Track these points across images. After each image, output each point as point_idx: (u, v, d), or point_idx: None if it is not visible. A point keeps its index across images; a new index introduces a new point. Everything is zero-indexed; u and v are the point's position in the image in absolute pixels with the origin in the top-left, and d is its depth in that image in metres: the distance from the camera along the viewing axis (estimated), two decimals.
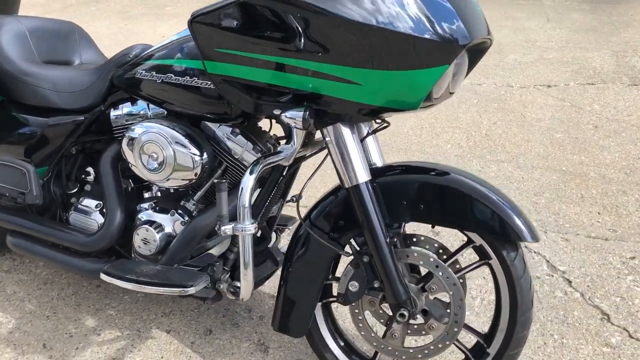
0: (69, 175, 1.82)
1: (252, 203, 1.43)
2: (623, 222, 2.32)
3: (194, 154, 1.51)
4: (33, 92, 1.72)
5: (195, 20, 1.30)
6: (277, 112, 1.34)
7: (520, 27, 4.78)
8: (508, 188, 2.57)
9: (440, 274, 1.41)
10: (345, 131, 1.37)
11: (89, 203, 1.77)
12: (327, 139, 1.38)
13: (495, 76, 3.72)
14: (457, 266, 1.48)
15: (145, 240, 1.61)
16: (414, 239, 1.53)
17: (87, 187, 1.79)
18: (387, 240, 1.38)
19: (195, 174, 1.52)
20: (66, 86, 1.71)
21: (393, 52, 1.19)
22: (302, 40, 1.23)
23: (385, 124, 1.53)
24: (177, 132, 1.52)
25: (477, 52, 1.44)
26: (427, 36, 1.16)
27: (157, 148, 1.53)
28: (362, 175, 1.37)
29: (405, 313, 1.40)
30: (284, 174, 1.61)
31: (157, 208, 1.66)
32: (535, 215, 2.38)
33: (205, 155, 1.53)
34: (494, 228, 1.37)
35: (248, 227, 1.35)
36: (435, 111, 3.28)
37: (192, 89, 1.48)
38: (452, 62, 1.19)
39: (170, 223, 1.63)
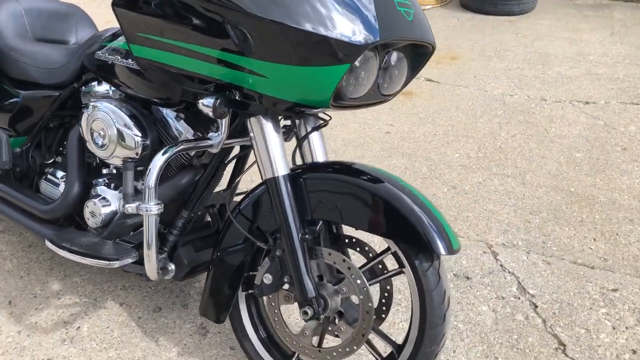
0: (47, 147, 1.94)
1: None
2: (618, 251, 2.17)
3: (136, 135, 1.57)
4: (17, 66, 1.84)
5: (118, 4, 1.35)
6: (196, 99, 1.37)
7: (578, 39, 4.54)
8: (503, 204, 2.46)
9: (352, 277, 1.39)
10: (267, 124, 1.38)
11: (58, 174, 1.87)
12: (250, 130, 1.40)
13: (531, 88, 3.56)
14: (377, 272, 1.46)
15: (92, 213, 1.69)
16: (346, 240, 1.52)
17: (59, 159, 1.90)
18: (300, 236, 1.38)
19: (137, 154, 1.58)
20: (45, 63, 1.82)
21: (293, 48, 1.19)
22: (212, 30, 1.25)
23: (322, 122, 1.54)
24: (124, 112, 1.59)
25: (418, 56, 1.42)
26: (327, 34, 1.15)
27: (104, 126, 1.60)
28: (280, 169, 1.39)
29: (309, 311, 1.39)
30: (225, 162, 1.64)
31: (110, 184, 1.74)
32: (522, 234, 2.27)
33: (147, 137, 1.58)
34: (408, 236, 1.34)
35: (152, 208, 1.39)
36: (454, 119, 3.19)
37: (136, 72, 1.54)
38: (353, 62, 1.18)
39: (117, 200, 1.69)
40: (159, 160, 1.40)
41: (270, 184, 1.39)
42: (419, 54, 1.44)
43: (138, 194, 1.64)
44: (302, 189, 1.41)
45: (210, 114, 1.33)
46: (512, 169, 2.73)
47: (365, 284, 1.39)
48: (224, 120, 1.44)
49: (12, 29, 1.91)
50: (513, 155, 2.84)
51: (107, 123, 1.59)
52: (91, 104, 1.66)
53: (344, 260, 1.41)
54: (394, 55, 1.37)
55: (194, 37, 1.29)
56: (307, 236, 1.40)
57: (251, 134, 1.40)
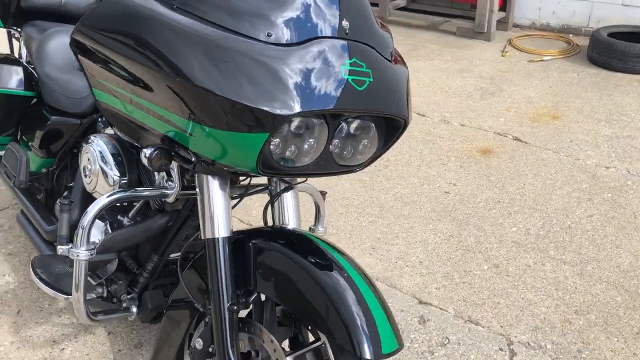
0: (70, 171, 2.05)
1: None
2: None
3: (115, 174, 1.60)
4: (51, 94, 1.96)
5: (74, 50, 1.37)
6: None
7: None
8: (547, 295, 2.15)
9: None
10: (212, 182, 1.33)
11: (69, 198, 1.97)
12: (196, 186, 1.36)
13: (636, 162, 3.11)
14: None
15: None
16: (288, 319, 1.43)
17: (73, 184, 2.00)
18: (229, 304, 1.30)
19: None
20: (74, 92, 1.92)
21: (214, 111, 1.13)
22: (147, 85, 1.23)
23: (288, 186, 1.47)
24: (110, 150, 1.63)
25: (393, 128, 1.31)
26: (243, 101, 1.09)
27: (90, 160, 1.65)
28: (220, 230, 1.33)
29: None
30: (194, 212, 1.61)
31: (100, 217, 1.78)
32: (556, 336, 1.96)
33: (125, 177, 1.60)
34: (334, 334, 1.23)
35: (81, 253, 1.38)
36: (527, 187, 2.87)
37: None
38: (272, 132, 1.10)
39: (101, 231, 1.73)
40: (98, 202, 1.39)
41: (208, 245, 1.34)
42: (393, 126, 1.33)
43: (100, 219, 1.68)
44: (243, 255, 1.35)
45: (147, 165, 1.31)
46: (573, 255, 2.39)
47: None
48: (175, 172, 1.43)
49: (57, 58, 2.04)
50: (581, 239, 2.48)
51: (92, 158, 1.64)
52: (91, 136, 1.71)
53: (272, 341, 1.32)
54: (354, 125, 1.27)
55: (138, 90, 1.28)
56: (235, 307, 1.32)
57: (196, 190, 1.36)
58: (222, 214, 1.34)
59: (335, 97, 1.15)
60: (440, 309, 2.09)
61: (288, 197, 1.52)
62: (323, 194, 1.90)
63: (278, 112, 1.08)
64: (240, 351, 1.40)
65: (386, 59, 1.30)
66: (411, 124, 3.78)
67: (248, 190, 1.55)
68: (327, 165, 1.29)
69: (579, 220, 2.62)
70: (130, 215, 1.71)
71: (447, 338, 1.96)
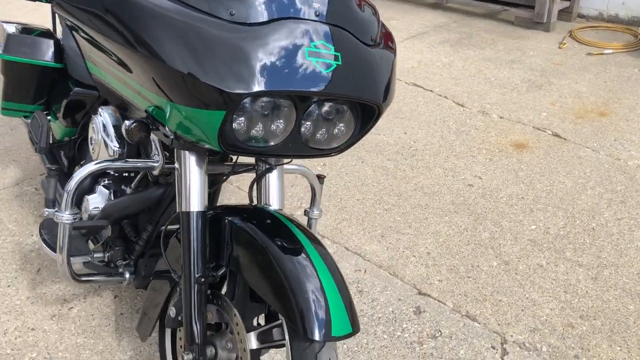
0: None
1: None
2: None
3: (114, 146, 1.68)
4: (73, 66, 2.07)
5: (66, 27, 1.44)
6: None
7: None
8: (554, 297, 2.08)
9: (238, 335, 1.35)
10: (190, 157, 1.38)
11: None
12: (175, 160, 1.41)
13: None
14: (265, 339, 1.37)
15: (84, 207, 1.84)
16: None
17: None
18: (197, 277, 1.35)
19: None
20: None
21: (177, 87, 1.19)
22: (124, 62, 1.28)
23: (269, 167, 1.49)
24: (112, 121, 1.71)
25: (369, 114, 1.32)
26: (202, 79, 1.12)
27: (95, 130, 1.73)
28: (194, 205, 1.38)
29: (186, 357, 1.35)
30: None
31: (104, 183, 1.87)
32: (554, 339, 1.90)
33: (124, 148, 1.68)
34: (288, 314, 1.26)
35: (65, 217, 1.46)
36: (557, 184, 2.76)
37: None
38: (230, 110, 1.14)
39: (104, 199, 1.82)
40: (84, 169, 1.46)
41: (182, 218, 1.39)
42: (371, 111, 1.33)
43: (105, 187, 1.77)
44: (217, 230, 1.39)
45: (125, 136, 1.37)
46: (591, 258, 2.29)
47: (246, 346, 1.32)
48: (158, 146, 1.49)
49: None
50: (603, 243, 2.37)
51: (96, 129, 1.72)
52: (99, 108, 1.80)
53: (235, 315, 1.36)
54: (327, 109, 1.28)
55: (116, 65, 1.33)
56: (203, 279, 1.37)
57: (175, 164, 1.41)
58: (197, 189, 1.38)
59: (296, 78, 1.16)
60: (439, 301, 2.07)
61: (273, 177, 1.54)
62: (321, 177, 1.91)
63: (233, 90, 1.11)
64: (210, 322, 1.46)
65: (364, 42, 1.30)
66: (446, 114, 3.71)
67: (235, 169, 1.59)
68: (297, 148, 1.31)
69: (605, 222, 2.50)
70: (132, 185, 1.80)
71: (440, 331, 1.94)
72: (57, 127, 2.22)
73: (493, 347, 1.88)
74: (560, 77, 4.06)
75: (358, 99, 1.26)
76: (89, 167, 1.48)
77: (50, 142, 2.23)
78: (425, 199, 2.66)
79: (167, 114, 1.26)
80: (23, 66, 2.21)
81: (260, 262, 1.30)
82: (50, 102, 2.31)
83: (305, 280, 1.26)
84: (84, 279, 1.62)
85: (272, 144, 1.28)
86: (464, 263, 2.26)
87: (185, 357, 1.36)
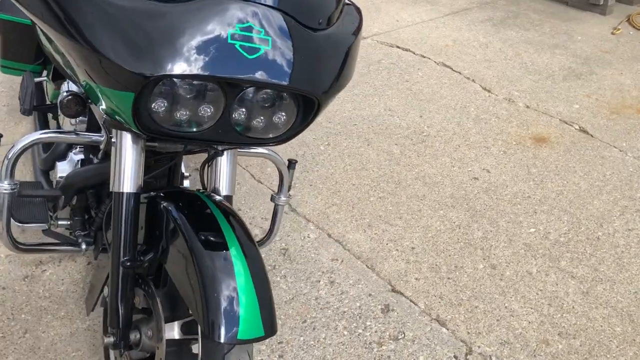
0: None
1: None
2: None
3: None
4: None
5: None
6: None
7: None
8: (536, 309, 1.95)
9: (157, 325, 1.31)
10: (126, 136, 1.34)
11: None
12: (113, 137, 1.38)
13: None
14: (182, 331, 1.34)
15: (54, 172, 1.84)
16: None
17: None
18: (122, 259, 1.33)
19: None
20: None
21: (90, 66, 1.14)
22: (47, 32, 1.24)
23: (218, 151, 1.45)
24: (79, 91, 1.68)
25: (308, 102, 1.26)
26: (112, 58, 1.07)
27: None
28: (126, 186, 1.35)
29: (106, 339, 1.34)
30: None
31: (75, 151, 1.85)
32: (524, 355, 1.79)
33: (85, 120, 1.66)
34: (197, 312, 1.22)
35: (3, 186, 1.44)
36: (569, 186, 2.57)
37: None
38: (136, 91, 1.09)
39: (71, 166, 1.81)
40: (25, 139, 1.44)
41: (114, 198, 1.36)
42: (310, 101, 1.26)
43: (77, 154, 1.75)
44: (151, 213, 1.37)
45: (59, 110, 1.35)
46: (587, 270, 2.13)
47: (163, 335, 1.30)
48: (100, 121, 1.46)
49: None
50: (605, 255, 2.20)
51: (61, 96, 1.71)
52: None
53: (157, 303, 1.33)
54: (263, 96, 1.21)
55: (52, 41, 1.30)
56: (129, 263, 1.34)
57: (113, 142, 1.37)
58: (131, 169, 1.35)
59: (212, 63, 1.09)
60: (411, 301, 1.98)
61: (223, 161, 1.49)
62: (292, 162, 1.84)
63: (138, 71, 1.06)
64: (138, 306, 1.44)
65: (308, 27, 1.20)
66: (469, 99, 3.54)
67: (188, 148, 1.54)
68: (229, 135, 1.25)
69: (613, 232, 2.31)
70: (99, 156, 1.78)
71: (404, 333, 1.86)
72: (49, 89, 2.22)
73: (455, 357, 1.78)
74: (605, 66, 3.77)
75: (289, 88, 1.17)
76: (32, 137, 1.45)
77: (48, 103, 2.24)
78: (424, 189, 2.54)
79: (92, 92, 1.22)
80: (19, 25, 2.21)
81: (182, 254, 1.26)
82: (46, 62, 2.31)
83: (219, 279, 1.21)
84: (27, 248, 1.62)
85: (200, 129, 1.22)
86: (448, 262, 2.14)
87: (105, 340, 1.35)
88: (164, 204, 1.34)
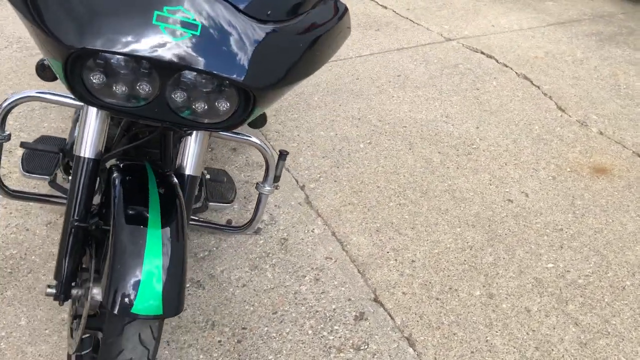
0: None
1: None
2: None
3: None
4: None
5: None
6: None
7: None
8: (519, 350, 1.80)
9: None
10: (91, 109, 1.42)
11: None
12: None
13: None
14: None
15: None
16: None
17: None
18: (72, 218, 1.42)
19: None
20: None
21: (31, 31, 1.22)
22: None
23: (186, 131, 1.50)
24: None
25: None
26: (42, 26, 1.14)
27: None
28: (84, 151, 1.46)
29: (49, 290, 1.45)
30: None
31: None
32: None
33: None
34: (102, 281, 1.30)
35: None
36: (614, 224, 2.30)
37: None
38: (63, 61, 1.15)
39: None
40: (16, 95, 1.56)
41: (74, 160, 1.46)
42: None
43: None
44: (106, 180, 1.45)
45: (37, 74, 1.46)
46: (596, 320, 1.92)
47: (90, 295, 1.38)
48: None
49: None
50: (624, 308, 1.97)
51: None
52: None
53: (91, 264, 1.41)
54: (202, 80, 1.24)
55: None
56: (76, 224, 1.43)
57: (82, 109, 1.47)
58: (91, 136, 1.44)
59: (136, 41, 1.13)
60: (389, 314, 1.91)
61: (191, 142, 1.53)
62: (283, 153, 1.85)
63: (63, 41, 1.12)
64: (84, 266, 1.53)
65: (254, 17, 1.20)
66: (538, 116, 3.41)
67: (164, 124, 1.60)
68: (165, 115, 1.28)
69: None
70: None
71: (367, 344, 1.80)
72: None
73: None
74: None
75: (214, 76, 1.18)
76: (23, 94, 1.58)
77: None
78: (449, 203, 2.42)
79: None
80: None
81: (110, 223, 1.33)
82: None
83: (128, 252, 1.25)
84: (16, 194, 1.77)
85: (136, 105, 1.27)
86: (443, 282, 2.04)
87: (47, 290, 1.45)
88: (114, 174, 1.41)
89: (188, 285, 1.99)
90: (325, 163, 2.64)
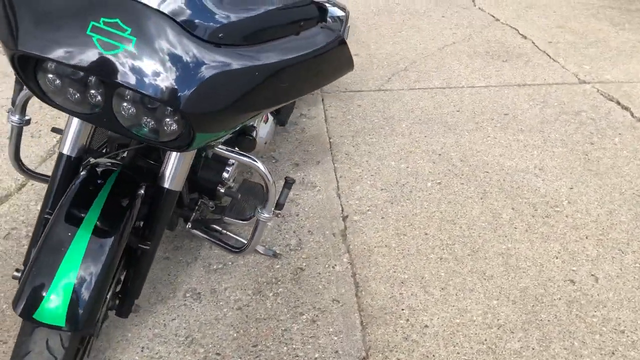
0: None
1: None
2: None
3: None
4: None
5: None
6: None
7: None
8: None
9: None
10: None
11: None
12: None
13: None
14: None
15: None
16: None
17: None
18: (45, 210, 1.50)
19: None
20: None
21: None
22: None
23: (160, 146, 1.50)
24: None
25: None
26: None
27: None
28: (64, 147, 1.55)
29: (15, 274, 1.52)
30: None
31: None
32: None
33: None
34: (20, 279, 1.33)
35: (14, 119, 1.68)
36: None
37: None
38: (8, 58, 1.19)
39: None
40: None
41: (58, 156, 1.53)
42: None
43: None
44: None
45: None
46: None
47: None
48: None
49: None
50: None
51: None
52: None
53: None
54: (136, 95, 1.20)
55: None
56: (46, 215, 1.49)
57: None
58: (72, 134, 1.51)
59: (66, 50, 1.13)
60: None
61: (172, 157, 1.52)
62: (288, 181, 1.77)
63: (5, 43, 1.15)
64: None
65: (203, 38, 1.13)
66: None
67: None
68: (112, 125, 1.27)
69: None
70: None
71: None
72: None
73: None
74: None
75: (141, 92, 1.13)
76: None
77: None
78: (498, 269, 2.12)
79: None
80: None
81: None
82: None
83: (48, 256, 1.27)
84: (32, 174, 1.87)
85: (86, 112, 1.26)
86: (431, 351, 1.78)
87: (14, 273, 1.52)
88: (82, 171, 1.44)
89: (187, 294, 1.97)
90: (381, 196, 2.47)
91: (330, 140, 2.89)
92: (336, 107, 3.21)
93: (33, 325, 1.27)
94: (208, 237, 1.93)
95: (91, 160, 1.56)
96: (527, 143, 2.89)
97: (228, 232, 2.09)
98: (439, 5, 4.87)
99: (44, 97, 1.26)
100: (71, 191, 1.37)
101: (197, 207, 1.95)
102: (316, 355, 1.79)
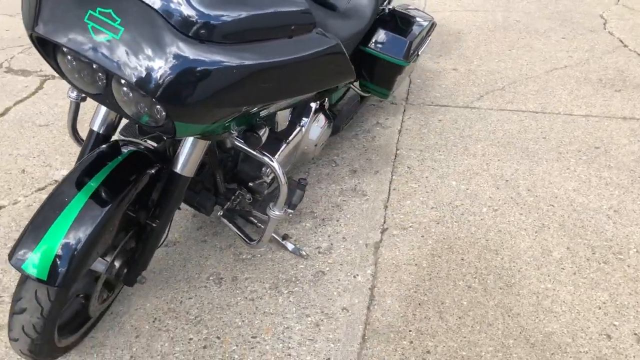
0: None
1: None
2: None
3: None
4: None
5: None
6: None
7: None
8: None
9: None
10: None
11: None
12: None
13: None
14: None
15: None
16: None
17: None
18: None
19: None
20: None
21: None
22: None
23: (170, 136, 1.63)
24: None
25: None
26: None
27: None
28: (94, 124, 1.70)
29: None
30: None
31: None
32: None
33: None
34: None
35: (72, 95, 1.85)
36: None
37: None
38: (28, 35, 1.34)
39: None
40: None
41: (89, 132, 1.72)
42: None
43: None
44: None
45: None
46: None
47: None
48: None
49: None
50: None
51: None
52: None
53: None
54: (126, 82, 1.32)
55: None
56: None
57: None
58: (102, 113, 1.69)
59: (66, 34, 1.26)
60: None
61: (186, 144, 1.62)
62: (302, 183, 1.81)
63: (25, 24, 1.31)
64: None
65: (182, 32, 1.21)
66: None
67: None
68: (113, 106, 1.39)
69: None
70: None
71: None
72: None
73: None
74: None
75: (122, 77, 1.23)
76: None
77: None
78: (527, 309, 1.97)
79: None
80: None
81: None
82: None
83: (46, 213, 1.41)
84: (80, 140, 2.06)
85: (93, 92, 1.39)
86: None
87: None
88: (103, 146, 1.59)
89: (211, 277, 2.09)
90: (429, 214, 2.41)
91: (397, 152, 2.86)
92: (415, 120, 3.16)
93: (25, 275, 1.43)
94: (231, 226, 2.02)
95: (121, 137, 1.72)
96: (610, 181, 2.64)
97: (261, 226, 2.18)
98: (563, 26, 4.56)
99: (63, 75, 1.42)
100: (85, 159, 1.53)
101: (233, 197, 2.05)
102: (307, 358, 1.81)
